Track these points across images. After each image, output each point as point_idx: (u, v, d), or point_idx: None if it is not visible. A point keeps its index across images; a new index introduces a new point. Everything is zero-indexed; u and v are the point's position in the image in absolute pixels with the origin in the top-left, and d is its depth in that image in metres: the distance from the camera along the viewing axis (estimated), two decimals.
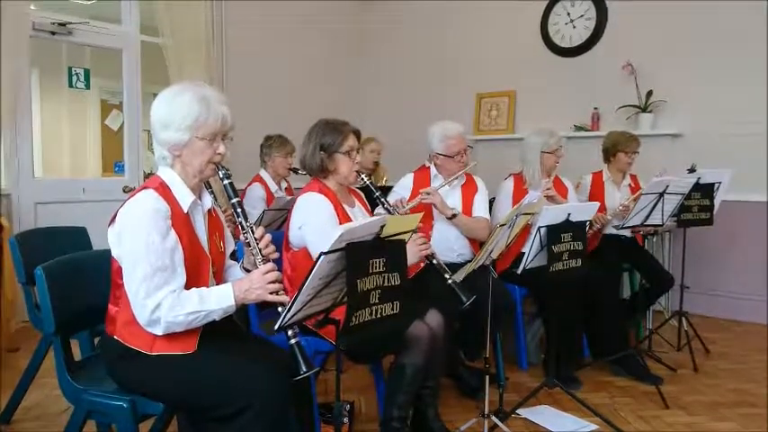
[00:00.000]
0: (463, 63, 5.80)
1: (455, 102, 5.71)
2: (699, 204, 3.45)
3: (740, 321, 4.46)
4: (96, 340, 2.40)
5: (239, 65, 5.16)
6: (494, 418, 2.55)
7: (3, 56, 3.78)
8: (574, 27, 5.16)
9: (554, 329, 2.92)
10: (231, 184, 1.82)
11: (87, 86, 4.71)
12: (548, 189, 3.30)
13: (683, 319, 3.64)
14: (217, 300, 1.70)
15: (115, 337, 1.75)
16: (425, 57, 6.03)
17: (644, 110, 4.72)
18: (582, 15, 5.10)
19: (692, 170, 3.54)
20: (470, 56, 5.75)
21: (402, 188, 3.14)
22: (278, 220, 3.47)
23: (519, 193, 3.37)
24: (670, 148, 4.65)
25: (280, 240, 2.31)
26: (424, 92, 5.98)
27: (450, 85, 5.87)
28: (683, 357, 3.55)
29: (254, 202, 3.78)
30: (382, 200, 2.63)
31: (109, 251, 1.76)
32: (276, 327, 1.63)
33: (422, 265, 2.71)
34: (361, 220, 2.11)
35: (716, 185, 3.51)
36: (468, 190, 3.17)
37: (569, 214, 2.56)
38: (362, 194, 2.69)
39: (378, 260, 1.63)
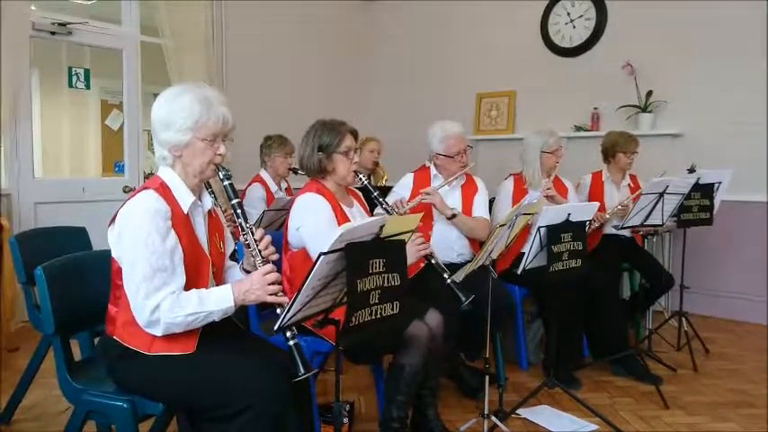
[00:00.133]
0: (463, 63, 5.80)
1: (455, 102, 5.71)
2: (699, 204, 3.45)
3: (740, 321, 4.46)
4: (96, 340, 2.40)
5: (239, 65, 5.16)
6: (493, 418, 2.55)
7: (3, 56, 3.78)
8: (574, 27, 5.16)
9: (554, 329, 2.92)
10: (231, 184, 1.82)
11: (87, 86, 4.71)
12: (548, 189, 3.30)
13: (683, 319, 3.64)
14: (216, 301, 1.70)
15: (115, 337, 1.75)
16: (425, 57, 6.03)
17: (644, 110, 4.72)
18: (582, 15, 5.10)
19: (691, 170, 3.54)
20: (470, 56, 5.75)
21: (402, 188, 3.14)
22: (278, 221, 3.47)
23: (519, 193, 3.37)
24: (670, 148, 4.65)
25: (279, 241, 2.31)
26: (424, 92, 5.98)
27: (450, 85, 5.87)
28: (682, 357, 3.56)
29: (254, 203, 3.78)
30: (380, 200, 2.63)
31: (109, 251, 1.77)
32: (275, 328, 1.63)
33: (422, 264, 2.72)
34: (360, 220, 2.11)
35: (716, 185, 3.51)
36: (468, 190, 3.17)
37: (569, 214, 2.56)
38: (361, 195, 2.69)
39: (377, 260, 1.64)
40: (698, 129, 4.58)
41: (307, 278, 1.53)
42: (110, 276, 1.79)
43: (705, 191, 3.46)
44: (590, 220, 2.83)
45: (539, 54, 5.35)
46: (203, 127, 1.75)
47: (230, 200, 1.81)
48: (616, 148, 3.75)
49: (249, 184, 3.96)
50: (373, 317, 1.65)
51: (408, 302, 1.77)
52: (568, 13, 5.18)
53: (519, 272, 2.57)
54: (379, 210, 2.68)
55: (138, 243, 1.65)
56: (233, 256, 2.06)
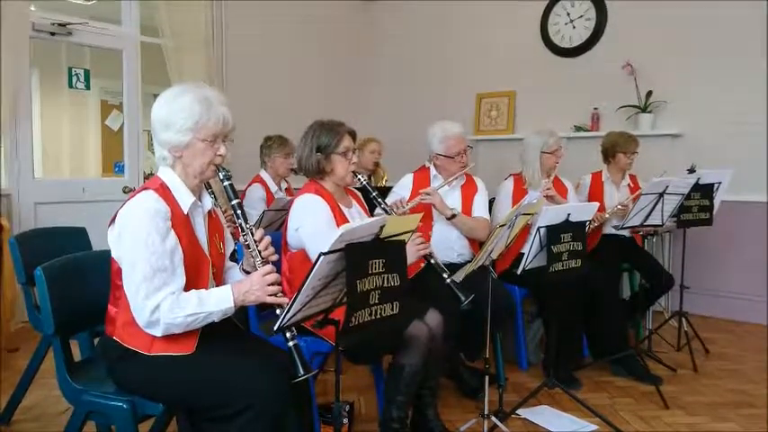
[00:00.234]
0: (463, 63, 5.80)
1: (455, 102, 5.71)
2: (698, 204, 3.45)
3: (740, 322, 4.46)
4: (96, 341, 2.40)
5: (239, 65, 5.16)
6: (493, 418, 2.55)
7: (3, 56, 3.78)
8: (574, 27, 5.16)
9: (554, 329, 2.92)
10: (231, 185, 1.82)
11: (87, 87, 4.71)
12: (547, 189, 3.30)
13: (683, 319, 3.64)
14: (216, 301, 1.70)
15: (114, 337, 1.75)
16: (425, 57, 6.03)
17: (644, 110, 4.72)
18: (582, 15, 5.10)
19: (691, 170, 3.54)
20: (470, 56, 5.75)
21: (402, 188, 3.14)
22: (278, 221, 3.46)
23: (519, 193, 3.37)
24: (670, 149, 4.65)
25: (279, 242, 2.31)
26: (424, 92, 5.98)
27: (450, 85, 5.87)
28: (682, 358, 3.56)
29: (254, 203, 3.78)
30: (379, 200, 2.63)
31: (109, 252, 1.77)
32: (275, 328, 1.63)
33: (422, 265, 2.72)
34: (359, 220, 2.11)
35: (716, 186, 3.51)
36: (468, 190, 3.17)
37: (569, 214, 2.56)
38: (360, 195, 2.69)
39: (377, 261, 1.64)
40: (698, 129, 4.58)
41: (307, 278, 1.53)
42: (110, 277, 1.79)
43: (705, 191, 3.46)
44: (589, 220, 2.83)
45: (538, 54, 5.35)
46: (203, 127, 1.75)
47: (230, 200, 1.82)
48: (616, 149, 3.75)
49: (249, 185, 3.96)
50: (373, 317, 1.65)
51: (408, 302, 1.77)
52: (568, 14, 5.18)
53: (519, 272, 2.57)
54: (379, 210, 2.68)
55: (137, 243, 1.65)
56: (233, 257, 2.06)
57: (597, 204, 2.85)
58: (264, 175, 3.99)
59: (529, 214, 2.57)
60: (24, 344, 3.49)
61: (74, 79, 4.57)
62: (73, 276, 1.98)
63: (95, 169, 6.55)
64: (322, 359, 2.41)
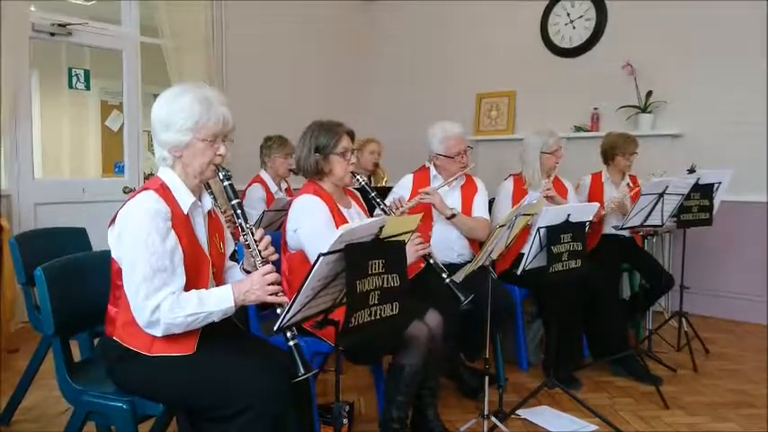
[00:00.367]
0: (463, 63, 5.80)
1: (455, 102, 5.71)
2: (698, 205, 3.45)
3: (740, 322, 4.46)
4: (96, 341, 2.40)
5: (239, 65, 5.16)
6: (493, 418, 2.55)
7: (3, 56, 3.78)
8: (574, 27, 5.16)
9: (554, 330, 2.92)
10: (231, 185, 1.83)
11: (87, 87, 4.71)
12: (547, 189, 3.30)
13: (683, 319, 3.64)
14: (216, 301, 1.70)
15: (114, 338, 1.75)
16: (425, 57, 6.03)
17: (644, 110, 4.72)
18: (582, 16, 5.10)
19: (691, 170, 3.54)
20: (470, 56, 5.75)
21: (402, 189, 3.14)
22: (278, 221, 3.46)
23: (519, 193, 3.37)
24: (670, 149, 4.65)
25: (279, 242, 2.31)
26: (424, 92, 5.98)
27: (450, 85, 5.87)
28: (682, 358, 3.56)
29: (254, 203, 3.78)
30: (377, 200, 2.63)
31: (109, 252, 1.77)
32: (275, 328, 1.63)
33: (421, 265, 2.72)
34: (359, 221, 2.11)
35: (715, 186, 3.51)
36: (468, 190, 3.17)
37: (569, 215, 2.56)
38: (359, 195, 2.69)
39: (377, 261, 1.63)
40: (698, 129, 4.58)
41: (306, 279, 1.53)
42: (110, 277, 1.79)
43: (705, 191, 3.45)
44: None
45: (538, 54, 5.35)
46: (203, 127, 1.75)
47: (230, 200, 1.82)
48: (615, 151, 3.76)
49: (249, 185, 3.96)
50: (373, 317, 1.65)
51: (408, 303, 1.77)
52: (568, 14, 5.18)
53: (519, 272, 2.57)
54: (378, 211, 2.68)
55: (137, 243, 1.65)
56: (233, 257, 2.07)
57: (597, 205, 2.85)
58: (264, 175, 3.99)
59: (529, 215, 2.57)
60: (24, 344, 3.49)
61: (74, 80, 4.58)
62: (73, 277, 1.98)
63: (95, 170, 6.55)
64: (322, 359, 2.41)
